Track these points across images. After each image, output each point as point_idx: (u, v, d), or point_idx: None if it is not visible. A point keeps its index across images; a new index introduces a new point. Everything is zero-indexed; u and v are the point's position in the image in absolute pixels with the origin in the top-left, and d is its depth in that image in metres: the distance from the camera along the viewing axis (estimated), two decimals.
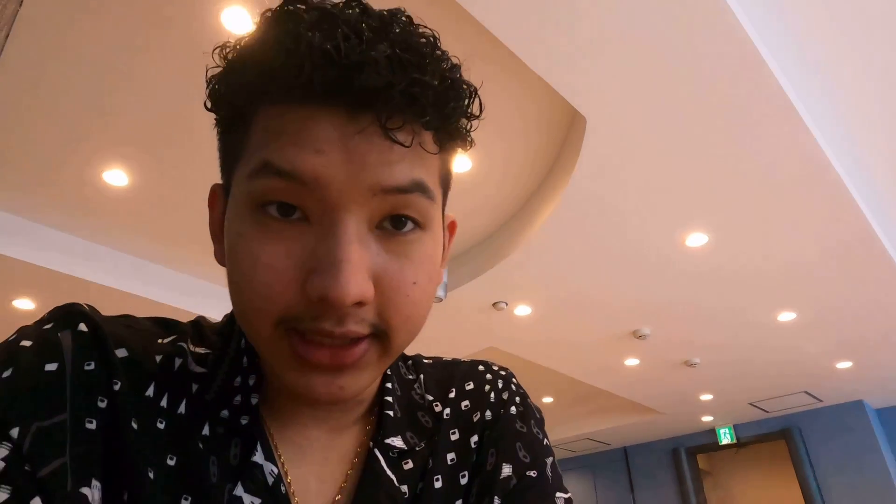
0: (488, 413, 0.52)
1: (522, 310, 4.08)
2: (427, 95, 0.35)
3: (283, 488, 0.41)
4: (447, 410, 0.51)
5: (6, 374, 0.35)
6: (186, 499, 0.38)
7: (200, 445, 0.40)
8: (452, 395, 0.53)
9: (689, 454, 7.77)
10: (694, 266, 3.59)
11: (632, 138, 2.58)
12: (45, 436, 0.34)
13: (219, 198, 0.44)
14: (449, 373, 0.55)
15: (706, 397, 6.22)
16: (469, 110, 0.39)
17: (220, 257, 0.42)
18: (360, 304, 0.35)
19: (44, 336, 0.38)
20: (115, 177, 2.97)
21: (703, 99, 2.36)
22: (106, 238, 3.49)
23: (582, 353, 4.89)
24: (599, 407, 7.09)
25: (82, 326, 0.39)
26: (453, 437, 0.50)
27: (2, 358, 0.36)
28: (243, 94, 0.38)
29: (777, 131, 2.52)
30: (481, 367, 0.57)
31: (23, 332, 0.38)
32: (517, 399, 0.54)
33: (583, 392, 6.19)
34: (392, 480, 0.45)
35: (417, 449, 0.48)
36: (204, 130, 2.65)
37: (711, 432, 7.53)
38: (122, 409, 0.38)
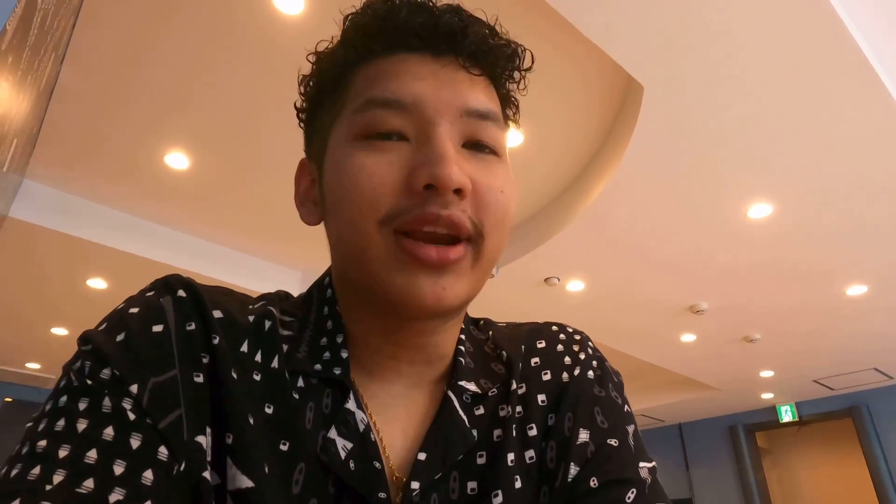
0: (565, 375, 0.51)
1: (575, 285, 4.03)
2: (495, 39, 0.46)
3: (372, 436, 0.43)
4: (520, 364, 0.51)
5: (119, 337, 0.39)
6: (284, 444, 0.41)
7: (296, 396, 0.43)
8: (522, 350, 0.53)
9: (748, 432, 7.58)
10: (757, 238, 3.45)
11: (691, 105, 2.48)
12: (161, 390, 0.37)
13: (307, 169, 0.50)
14: (519, 330, 0.56)
15: (767, 374, 6.02)
16: (522, 63, 0.48)
17: (308, 216, 0.49)
18: (460, 194, 0.40)
19: (148, 302, 0.41)
20: (177, 160, 3.08)
21: (769, 59, 2.24)
22: (171, 220, 3.63)
23: (636, 329, 4.81)
24: (654, 383, 6.98)
25: (181, 292, 0.42)
26: (520, 392, 0.50)
27: (114, 324, 0.40)
28: (343, 59, 0.46)
29: (851, 90, 2.37)
30: (555, 328, 0.57)
31: (129, 301, 0.42)
32: (594, 363, 0.53)
33: (636, 368, 6.09)
34: (464, 420, 0.46)
35: (490, 394, 0.49)
36: (264, 118, 2.71)
37: (771, 410, 7.31)
38: (223, 361, 0.41)
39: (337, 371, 0.44)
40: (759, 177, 2.92)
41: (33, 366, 5.88)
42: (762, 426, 7.57)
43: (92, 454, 0.34)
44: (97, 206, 3.43)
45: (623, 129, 2.83)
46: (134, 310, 0.40)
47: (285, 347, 0.45)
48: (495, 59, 0.46)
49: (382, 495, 0.41)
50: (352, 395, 0.44)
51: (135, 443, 0.35)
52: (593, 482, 0.44)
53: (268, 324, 0.45)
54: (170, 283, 0.43)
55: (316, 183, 0.48)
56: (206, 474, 0.37)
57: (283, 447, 0.41)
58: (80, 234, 3.31)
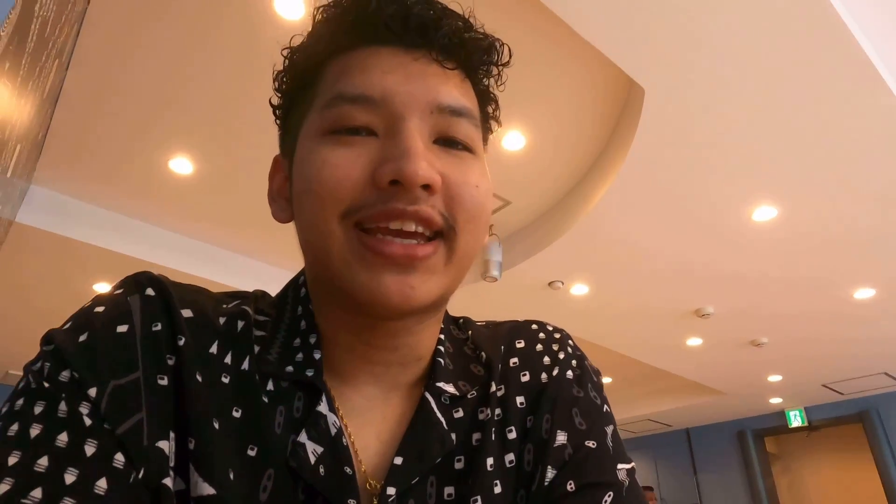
0: (543, 375, 0.50)
1: (579, 289, 4.01)
2: (469, 32, 0.44)
3: (344, 440, 0.42)
4: (499, 366, 0.50)
5: (82, 338, 0.38)
6: (252, 449, 0.40)
7: (265, 399, 0.42)
8: (501, 350, 0.51)
9: (756, 437, 7.51)
10: (762, 241, 3.42)
11: (693, 108, 2.47)
12: (121, 393, 0.36)
13: (280, 165, 0.49)
14: (499, 329, 0.54)
15: (775, 378, 5.97)
16: (500, 58, 0.47)
17: (280, 215, 0.48)
18: (429, 190, 0.39)
19: (115, 300, 0.40)
20: (181, 165, 3.10)
21: (772, 61, 2.23)
22: (175, 224, 3.66)
23: (641, 333, 4.78)
24: (660, 387, 6.93)
25: (150, 291, 0.41)
26: (499, 393, 0.48)
27: (79, 323, 0.39)
28: (314, 55, 0.45)
29: (855, 92, 2.35)
30: (535, 326, 0.55)
31: (97, 300, 0.41)
32: (573, 362, 0.51)
33: (642, 372, 6.05)
34: (442, 423, 0.45)
35: (469, 396, 0.48)
36: (263, 120, 2.72)
37: (780, 415, 7.24)
38: (188, 363, 0.39)
39: (309, 373, 0.43)
40: (764, 179, 2.90)
41: None
42: (771, 431, 7.50)
43: (43, 462, 0.33)
44: (103, 210, 3.45)
45: (625, 132, 2.82)
46: (100, 308, 0.39)
47: (257, 349, 0.44)
48: (469, 53, 0.45)
49: (352, 502, 0.39)
50: (324, 398, 0.42)
51: (89, 450, 0.34)
52: (570, 486, 0.43)
53: (241, 324, 0.44)
54: (139, 281, 0.42)
55: (288, 180, 0.47)
56: (168, 481, 0.36)
57: (251, 452, 0.39)
58: (86, 238, 3.33)
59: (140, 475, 0.35)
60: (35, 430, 0.34)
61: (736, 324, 4.59)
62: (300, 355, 0.44)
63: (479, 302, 4.13)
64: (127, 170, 3.14)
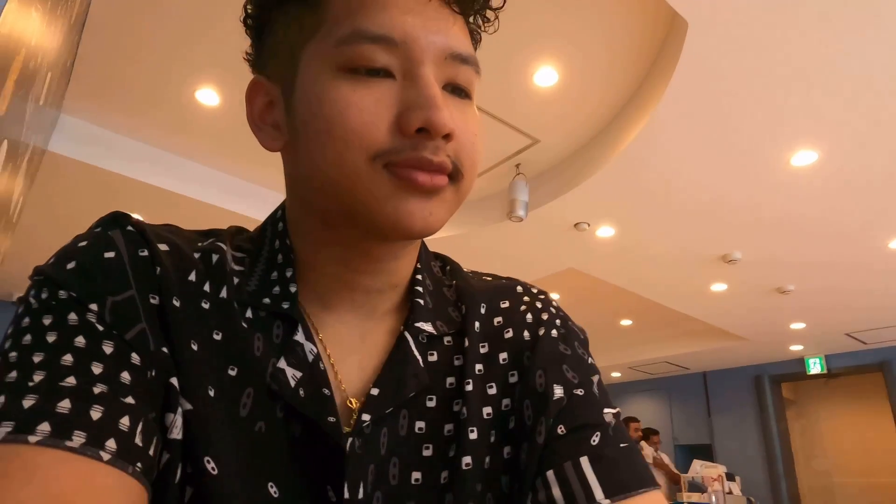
0: (526, 333, 0.52)
1: (605, 231, 3.98)
2: None
3: (321, 365, 0.44)
4: (476, 324, 0.52)
5: (70, 265, 0.39)
6: (233, 369, 0.42)
7: (245, 325, 0.44)
8: (483, 308, 0.53)
9: (773, 382, 7.57)
10: (799, 186, 3.32)
11: (737, 45, 2.34)
12: (121, 307, 0.38)
13: (263, 88, 0.47)
14: (483, 286, 0.56)
15: (798, 326, 5.95)
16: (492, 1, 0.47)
17: (270, 143, 0.47)
18: (447, 138, 0.41)
19: (96, 235, 0.42)
20: (207, 96, 3.07)
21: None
22: (203, 156, 3.67)
23: (665, 277, 4.76)
24: (680, 331, 6.96)
25: (129, 227, 0.43)
26: (482, 350, 0.51)
27: (64, 255, 0.40)
28: None
29: None
30: (519, 288, 0.57)
31: (77, 237, 0.42)
32: (557, 321, 0.54)
33: (663, 315, 6.07)
34: (418, 361, 0.48)
35: (446, 340, 0.50)
36: None
37: (799, 361, 7.26)
38: (165, 290, 0.41)
39: (285, 305, 0.45)
40: (806, 122, 2.78)
41: None
42: (789, 377, 7.55)
43: (68, 358, 0.34)
44: (131, 141, 3.47)
45: (663, 69, 2.70)
46: (83, 243, 0.41)
47: (235, 280, 0.45)
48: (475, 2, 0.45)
49: (332, 419, 0.42)
50: (300, 328, 0.45)
51: (107, 349, 0.36)
52: (560, 429, 0.46)
53: (216, 258, 0.45)
54: (116, 218, 0.43)
55: (276, 106, 0.46)
56: (174, 381, 0.39)
57: (232, 372, 0.42)
58: (117, 169, 3.37)
59: (153, 374, 0.38)
60: (51, 337, 0.35)
61: (763, 270, 4.54)
62: (277, 288, 0.46)
63: (503, 242, 4.13)
64: (155, 100, 3.13)
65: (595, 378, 0.51)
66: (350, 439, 0.42)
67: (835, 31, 2.24)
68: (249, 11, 0.47)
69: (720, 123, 2.83)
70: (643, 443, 6.14)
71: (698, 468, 5.90)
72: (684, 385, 8.46)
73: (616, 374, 8.93)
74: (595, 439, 0.46)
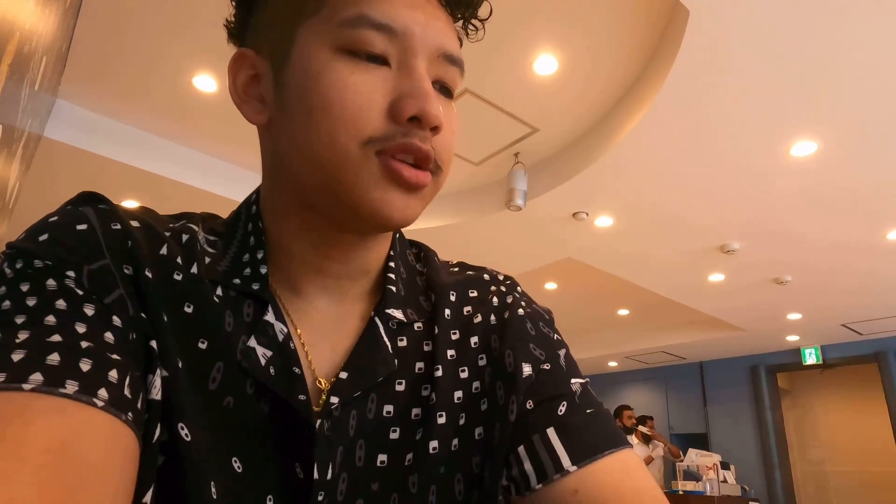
0: (492, 317, 0.53)
1: (603, 220, 3.97)
2: None
3: (291, 345, 0.45)
4: (447, 311, 0.52)
5: (42, 237, 0.39)
6: (203, 342, 0.42)
7: (216, 300, 0.44)
8: (453, 297, 0.54)
9: (769, 372, 7.61)
10: (798, 177, 3.32)
11: (739, 34, 2.33)
12: (97, 274, 0.38)
13: (248, 61, 0.47)
14: (453, 277, 0.57)
15: (794, 316, 5.97)
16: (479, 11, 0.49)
17: (255, 116, 0.46)
18: (434, 130, 0.42)
19: (67, 211, 0.42)
20: (205, 83, 3.05)
21: None
22: (200, 143, 3.65)
23: (663, 267, 4.77)
24: (677, 321, 6.99)
25: (101, 205, 0.43)
26: (454, 337, 0.52)
27: (35, 230, 0.40)
28: None
29: None
30: (486, 276, 0.58)
31: (47, 215, 0.42)
32: (522, 303, 0.55)
33: (660, 305, 6.09)
34: (388, 347, 0.48)
35: (416, 326, 0.51)
36: None
37: (795, 352, 7.30)
38: (137, 262, 0.41)
39: (255, 286, 0.45)
40: (806, 113, 2.77)
41: None
42: (784, 367, 7.59)
43: (51, 319, 0.35)
44: (129, 128, 3.45)
45: (664, 59, 2.69)
46: (53, 218, 0.41)
47: (207, 260, 0.46)
48: (467, 3, 0.48)
49: (302, 397, 0.43)
50: (270, 308, 0.45)
51: (88, 311, 0.36)
52: (528, 404, 0.48)
53: (186, 237, 0.46)
54: (87, 197, 0.44)
55: (263, 79, 0.46)
56: (153, 343, 0.39)
57: (202, 345, 0.42)
58: (112, 155, 3.35)
59: (134, 336, 0.38)
60: (31, 301, 0.35)
61: (761, 261, 4.55)
62: (248, 270, 0.46)
63: (501, 231, 4.13)
64: (151, 86, 3.11)
65: (562, 352, 0.52)
66: (319, 421, 0.43)
67: (837, 19, 2.23)
68: None
69: (719, 112, 2.82)
70: (636, 440, 6.11)
71: (693, 457, 5.94)
72: (681, 375, 8.50)
73: (613, 364, 8.96)
74: (562, 409, 0.47)
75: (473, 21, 0.50)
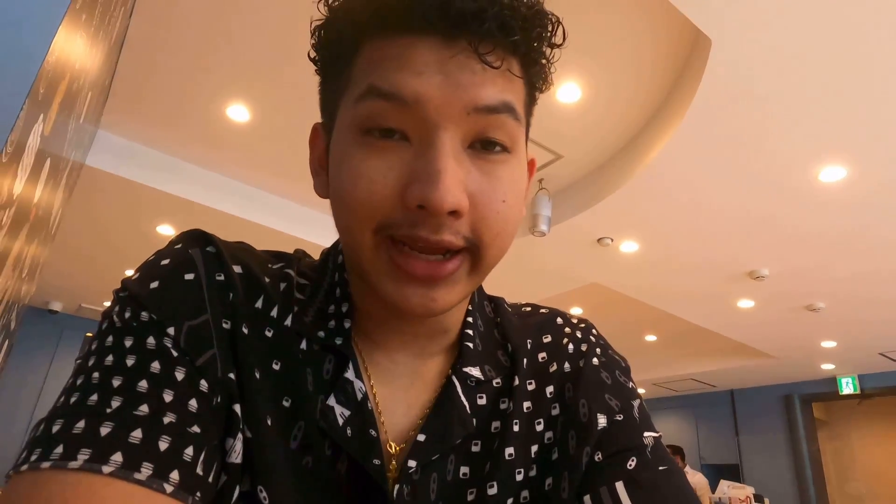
0: (567, 365, 0.52)
1: (629, 246, 3.95)
2: (516, 19, 0.38)
3: (369, 405, 0.45)
4: (525, 360, 0.52)
5: (153, 285, 0.41)
6: (287, 400, 0.43)
7: (300, 357, 0.45)
8: (528, 346, 0.53)
9: (804, 402, 7.37)
10: (827, 203, 3.27)
11: (761, 61, 2.33)
12: (195, 332, 0.40)
13: (320, 135, 0.47)
14: (526, 323, 0.56)
15: (828, 344, 5.80)
16: (553, 38, 0.41)
17: (320, 189, 0.46)
18: (455, 214, 0.38)
19: (178, 253, 0.44)
20: (238, 112, 3.16)
21: (849, 11, 2.07)
22: (234, 171, 3.77)
23: (691, 293, 4.70)
24: (706, 348, 6.84)
25: (209, 248, 0.45)
26: (529, 388, 0.51)
27: (149, 273, 0.42)
28: (349, 30, 0.41)
29: None
30: (559, 320, 0.56)
31: (160, 254, 0.44)
32: (598, 350, 0.54)
33: (689, 331, 5.98)
34: (465, 407, 0.47)
35: (495, 383, 0.50)
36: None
37: (831, 381, 7.06)
38: (237, 316, 0.43)
39: (338, 341, 0.46)
40: (834, 138, 2.75)
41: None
42: (820, 397, 7.35)
43: (143, 384, 0.37)
44: (166, 156, 3.59)
45: (687, 86, 2.70)
46: (165, 261, 0.43)
47: (296, 309, 0.46)
48: (517, 43, 0.39)
49: (377, 462, 0.43)
50: (351, 365, 0.45)
51: (179, 375, 0.38)
52: (598, 456, 0.47)
53: (283, 286, 0.47)
54: (197, 237, 0.45)
55: (326, 153, 0.45)
56: (237, 407, 0.41)
57: (286, 403, 0.43)
58: (149, 182, 3.48)
59: (218, 400, 0.40)
60: (130, 360, 0.38)
61: (791, 287, 4.45)
62: (332, 322, 0.47)
63: (525, 257, 4.13)
64: (187, 116, 3.23)
65: (636, 402, 0.51)
66: (397, 486, 0.43)
67: (863, 46, 2.22)
68: (311, 56, 0.46)
69: (745, 139, 2.81)
70: None
71: (725, 489, 5.76)
72: (711, 403, 8.28)
73: (640, 391, 8.77)
74: (631, 463, 0.46)
75: (533, 51, 0.41)
